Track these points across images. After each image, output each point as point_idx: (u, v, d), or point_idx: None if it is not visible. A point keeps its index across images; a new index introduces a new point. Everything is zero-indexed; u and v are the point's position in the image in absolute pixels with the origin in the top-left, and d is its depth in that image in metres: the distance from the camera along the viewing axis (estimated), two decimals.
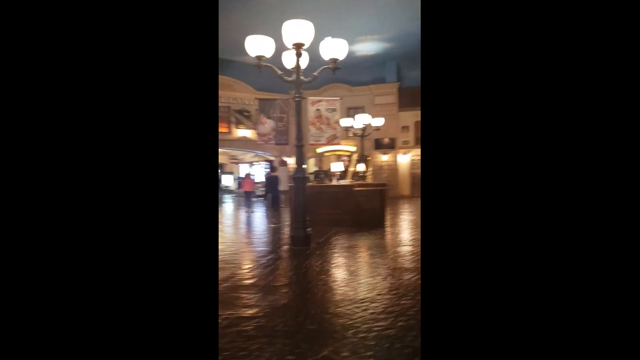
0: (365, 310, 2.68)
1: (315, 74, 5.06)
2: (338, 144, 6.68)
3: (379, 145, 15.36)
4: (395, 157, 15.42)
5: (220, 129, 13.74)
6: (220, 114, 13.35)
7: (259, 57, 4.66)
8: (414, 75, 15.61)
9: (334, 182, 7.92)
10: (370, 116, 10.46)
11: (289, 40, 4.59)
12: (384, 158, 15.46)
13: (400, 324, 2.43)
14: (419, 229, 6.50)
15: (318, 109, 5.95)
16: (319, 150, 15.61)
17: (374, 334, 2.27)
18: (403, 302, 2.82)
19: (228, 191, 19.49)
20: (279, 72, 4.89)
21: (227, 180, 20.25)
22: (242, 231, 7.30)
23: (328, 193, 7.21)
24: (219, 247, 5.11)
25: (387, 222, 7.44)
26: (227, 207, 12.35)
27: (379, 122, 10.61)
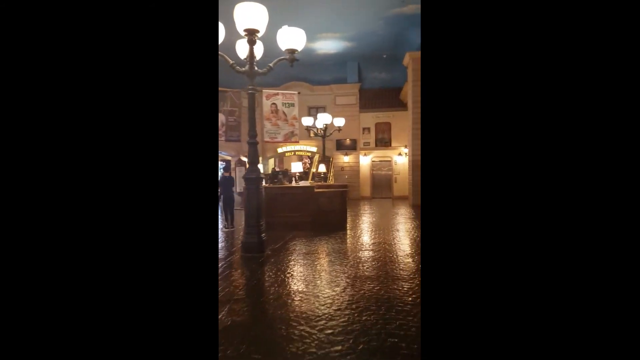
0: (321, 330, 2.31)
1: (270, 65, 4.65)
2: (296, 142, 6.28)
3: (341, 146, 15.20)
4: (357, 158, 15.34)
5: None
6: None
7: None
8: (374, 77, 15.65)
9: (293, 184, 7.51)
10: (331, 116, 10.22)
11: (240, 25, 4.14)
12: (346, 159, 15.31)
13: (361, 346, 2.09)
14: (380, 232, 6.30)
15: (274, 103, 5.50)
16: (280, 149, 15.15)
17: None
18: (364, 318, 2.50)
19: None
20: (230, 61, 4.42)
21: None
22: None
23: (287, 195, 6.80)
24: None
25: (349, 225, 7.18)
26: None
27: (340, 122, 10.40)
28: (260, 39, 4.49)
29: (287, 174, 8.13)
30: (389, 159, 15.34)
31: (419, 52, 12.42)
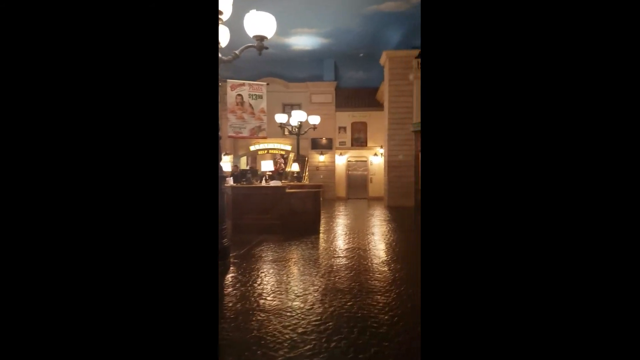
0: None
1: (236, 52, 4.19)
2: (264, 137, 5.83)
3: (316, 145, 14.83)
4: (333, 157, 15.02)
5: None
6: None
7: None
8: (351, 75, 15.40)
9: (263, 183, 7.05)
10: (306, 113, 9.82)
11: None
12: (321, 158, 14.97)
13: None
14: (355, 235, 5.97)
15: (240, 95, 5.03)
16: (253, 147, 14.59)
17: None
18: (333, 345, 2.12)
19: None
20: None
21: None
22: None
23: (255, 195, 6.34)
24: None
25: (322, 227, 6.81)
26: None
27: (315, 120, 10.03)
28: (229, 27, 4.03)
29: (256, 173, 7.65)
30: (365, 159, 15.14)
31: (396, 52, 12.26)
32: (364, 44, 13.05)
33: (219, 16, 3.78)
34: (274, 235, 5.74)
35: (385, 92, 12.77)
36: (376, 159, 14.87)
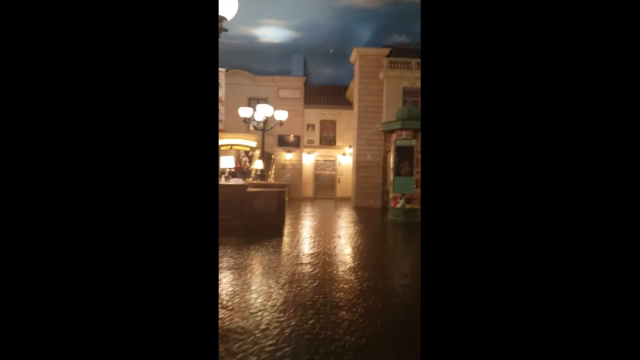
0: None
1: None
2: (221, 130, 5.33)
3: (283, 143, 14.36)
4: (300, 156, 14.63)
5: None
6: None
7: None
8: (320, 72, 15.08)
9: (223, 181, 6.52)
10: (272, 108, 9.34)
11: None
12: (288, 157, 14.52)
13: None
14: (321, 239, 5.64)
15: None
16: None
17: None
18: None
19: None
20: None
21: None
22: None
23: None
24: None
25: (286, 230, 6.42)
26: None
27: (282, 115, 9.56)
28: None
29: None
30: (333, 159, 14.90)
31: (367, 49, 12.08)
32: (334, 40, 12.78)
33: None
34: (233, 238, 5.27)
35: (355, 91, 12.58)
36: (345, 158, 14.67)
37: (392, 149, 9.03)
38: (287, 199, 12.28)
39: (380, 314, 2.63)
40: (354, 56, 12.28)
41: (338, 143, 14.80)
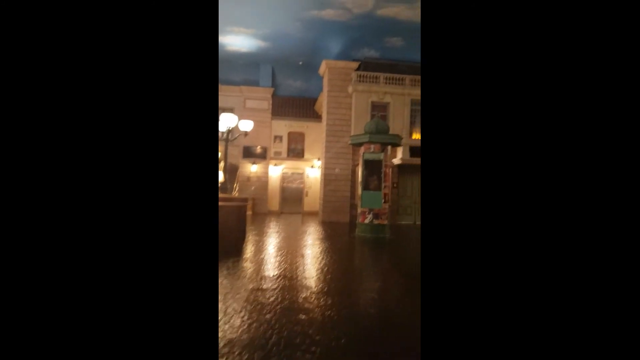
0: None
1: None
2: None
3: (249, 154, 13.84)
4: (267, 168, 14.15)
5: None
6: None
7: None
8: (289, 84, 14.83)
9: None
10: (236, 117, 8.88)
11: None
12: (254, 168, 14.00)
13: None
14: (283, 259, 5.20)
15: None
16: None
17: None
18: None
19: None
20: None
21: None
22: None
23: None
24: None
25: (247, 248, 5.92)
26: None
27: (247, 125, 9.11)
28: None
29: None
30: (301, 172, 14.54)
31: (336, 62, 11.99)
32: (303, 52, 12.61)
33: None
34: None
35: (323, 103, 12.40)
36: (313, 171, 14.37)
37: (361, 162, 8.83)
38: (250, 213, 11.69)
39: (343, 351, 2.25)
40: (323, 68, 12.15)
41: (307, 155, 14.50)
